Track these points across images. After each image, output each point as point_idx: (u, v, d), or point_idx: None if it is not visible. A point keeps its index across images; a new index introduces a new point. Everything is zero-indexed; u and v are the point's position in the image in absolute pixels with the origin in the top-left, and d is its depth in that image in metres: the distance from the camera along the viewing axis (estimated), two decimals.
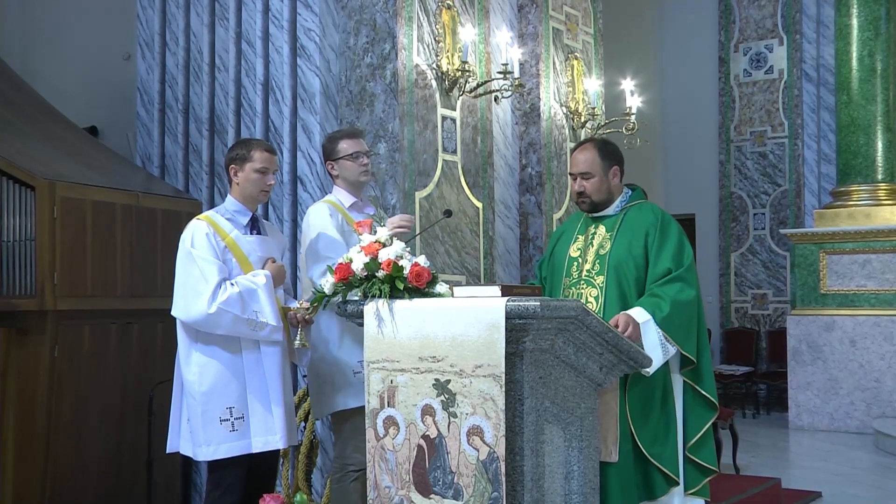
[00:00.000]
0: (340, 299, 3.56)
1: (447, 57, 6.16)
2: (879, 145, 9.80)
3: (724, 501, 5.34)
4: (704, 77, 11.86)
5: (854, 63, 9.82)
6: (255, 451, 3.88)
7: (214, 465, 3.92)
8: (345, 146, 4.39)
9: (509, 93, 6.47)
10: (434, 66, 6.11)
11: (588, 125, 7.48)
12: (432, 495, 3.19)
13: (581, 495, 3.39)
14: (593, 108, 7.48)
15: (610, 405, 3.71)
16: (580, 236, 4.05)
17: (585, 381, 3.46)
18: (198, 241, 3.90)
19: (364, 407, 4.19)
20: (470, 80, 6.24)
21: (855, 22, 9.78)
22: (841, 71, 9.94)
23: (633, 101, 7.48)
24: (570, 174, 4.05)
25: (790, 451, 8.69)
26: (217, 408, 3.84)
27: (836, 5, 9.95)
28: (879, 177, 9.84)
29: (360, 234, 3.61)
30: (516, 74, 6.44)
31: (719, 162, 11.77)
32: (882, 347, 9.24)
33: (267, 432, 3.88)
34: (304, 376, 4.85)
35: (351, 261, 3.50)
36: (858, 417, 9.24)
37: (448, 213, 4.34)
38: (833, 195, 10.21)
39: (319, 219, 4.24)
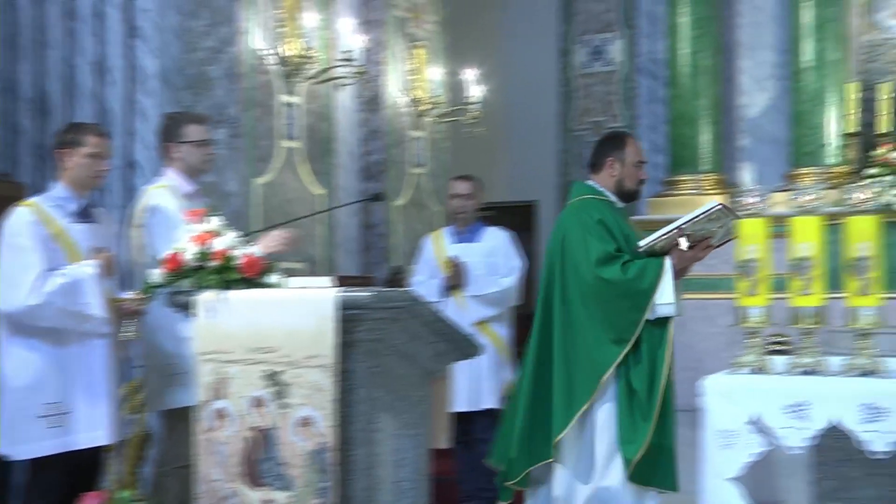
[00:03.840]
0: (171, 290, 3.51)
1: (289, 42, 6.10)
2: (705, 138, 10.31)
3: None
4: (546, 68, 12.16)
5: (684, 59, 10.28)
6: (78, 447, 3.78)
7: (33, 464, 3.79)
8: (192, 131, 4.28)
9: (352, 80, 6.48)
10: (275, 51, 6.05)
11: (431, 113, 7.58)
12: (262, 487, 3.20)
13: (411, 482, 3.47)
14: (436, 97, 7.57)
15: (442, 392, 3.80)
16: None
17: (419, 369, 3.54)
18: (21, 229, 3.76)
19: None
20: (312, 66, 6.22)
21: (684, 20, 10.22)
22: (672, 66, 10.39)
23: (476, 91, 7.62)
24: (642, 162, 4.17)
25: None
26: (36, 403, 3.71)
27: (667, 3, 10.38)
28: (705, 168, 10.35)
29: (193, 224, 3.56)
30: (360, 61, 6.45)
31: (560, 151, 12.12)
32: (705, 329, 9.75)
33: (91, 427, 3.77)
34: (137, 367, 4.73)
35: (182, 250, 3.45)
36: (683, 396, 9.71)
37: (377, 197, 4.31)
38: (664, 184, 10.66)
39: (165, 202, 4.14)
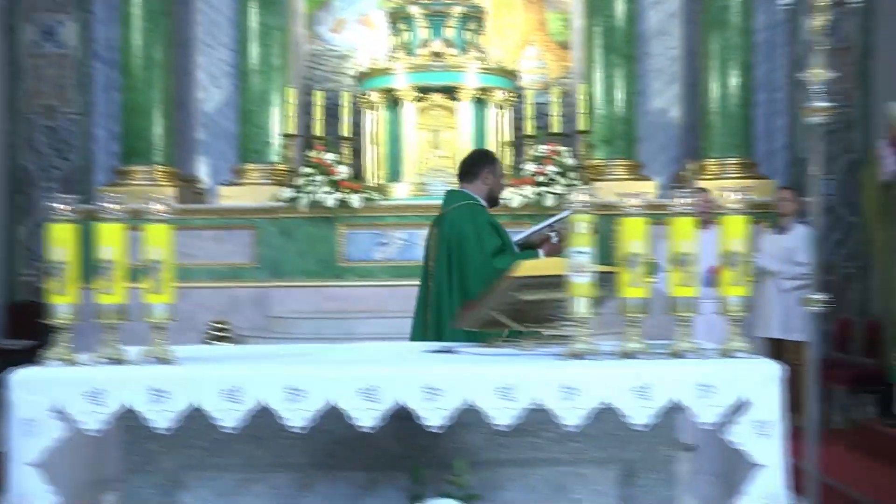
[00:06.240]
0: None
1: None
2: (158, 130, 10.55)
3: None
4: None
5: (137, 50, 10.41)
6: None
7: None
8: None
9: None
10: None
11: None
12: None
13: None
14: None
15: None
16: None
17: None
18: None
19: None
20: None
21: (138, 11, 10.36)
22: (125, 56, 10.46)
23: None
24: (504, 175, 5.03)
25: None
26: None
27: None
28: (158, 159, 10.58)
29: None
30: None
31: (7, 133, 11.50)
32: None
33: None
34: None
35: None
36: None
37: None
38: (118, 174, 10.69)
39: None
